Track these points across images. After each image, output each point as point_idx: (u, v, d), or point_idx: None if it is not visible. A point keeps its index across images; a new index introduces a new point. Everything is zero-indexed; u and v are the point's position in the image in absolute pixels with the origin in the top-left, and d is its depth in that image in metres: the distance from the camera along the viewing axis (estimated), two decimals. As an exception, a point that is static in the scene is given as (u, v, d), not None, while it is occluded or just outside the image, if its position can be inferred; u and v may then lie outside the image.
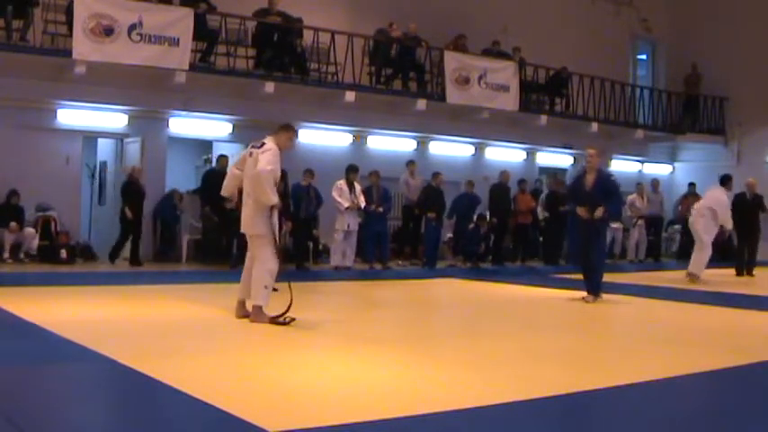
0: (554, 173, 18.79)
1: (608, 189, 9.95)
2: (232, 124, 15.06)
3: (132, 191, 13.36)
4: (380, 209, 14.46)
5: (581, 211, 9.89)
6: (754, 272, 15.21)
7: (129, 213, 13.14)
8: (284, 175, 10.57)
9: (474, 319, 9.06)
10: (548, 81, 18.43)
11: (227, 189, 8.01)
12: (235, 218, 8.27)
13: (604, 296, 10.07)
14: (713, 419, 4.67)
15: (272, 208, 7.48)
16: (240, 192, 7.85)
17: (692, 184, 18.91)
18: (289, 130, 7.87)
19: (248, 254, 7.86)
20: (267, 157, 7.44)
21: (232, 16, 14.15)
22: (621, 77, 20.24)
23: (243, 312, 7.77)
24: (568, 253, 16.55)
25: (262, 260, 7.56)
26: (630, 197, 18.27)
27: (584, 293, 10.08)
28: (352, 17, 16.70)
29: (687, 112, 21.34)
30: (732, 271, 15.09)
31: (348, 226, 13.94)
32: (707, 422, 4.63)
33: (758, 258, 15.60)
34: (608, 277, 12.58)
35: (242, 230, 7.78)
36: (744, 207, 14.84)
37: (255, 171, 7.37)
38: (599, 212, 9.69)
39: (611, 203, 9.96)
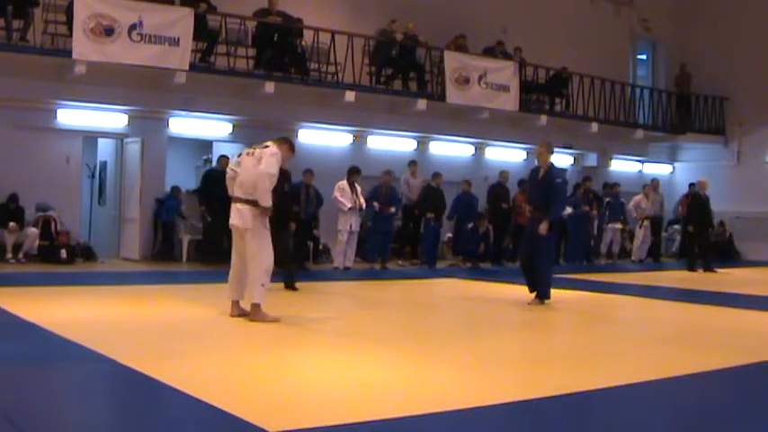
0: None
1: (551, 188, 9.58)
2: (232, 124, 15.05)
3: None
4: (392, 209, 14.50)
5: (524, 217, 9.87)
6: (715, 268, 15.78)
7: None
8: (288, 175, 10.57)
9: (474, 319, 9.06)
10: (548, 81, 18.42)
11: (232, 191, 7.98)
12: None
13: (605, 296, 10.05)
14: (713, 419, 4.67)
15: (263, 209, 7.55)
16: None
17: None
18: (291, 144, 8.00)
19: (234, 252, 7.84)
20: (271, 160, 7.52)
21: (232, 16, 14.15)
22: (621, 77, 20.23)
23: (238, 311, 7.77)
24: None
25: (257, 258, 7.55)
26: (636, 198, 18.28)
27: (533, 297, 9.80)
28: (352, 17, 16.69)
29: (680, 112, 21.33)
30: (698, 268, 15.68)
31: (350, 227, 13.94)
32: (707, 422, 4.63)
33: (758, 259, 15.78)
34: (608, 277, 12.62)
35: (232, 223, 7.72)
36: (700, 205, 15.85)
37: (258, 170, 7.43)
38: (543, 228, 9.34)
39: (551, 205, 9.50)
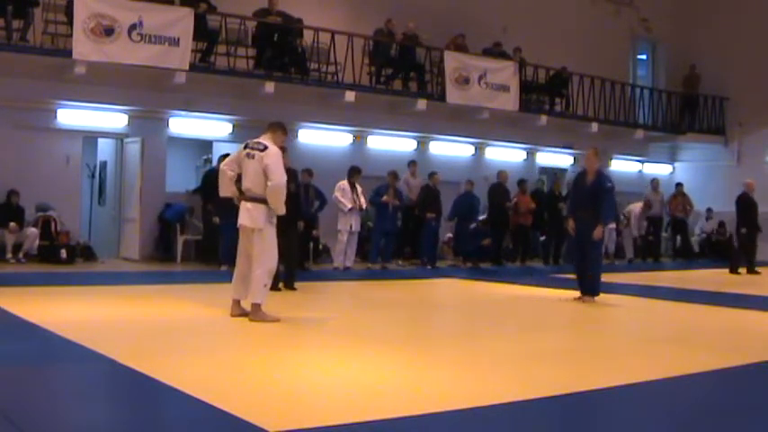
0: (554, 173, 18.78)
1: (600, 193, 9.78)
2: (232, 124, 15.05)
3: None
4: (396, 201, 14.56)
5: (570, 224, 10.02)
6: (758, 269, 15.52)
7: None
8: (295, 174, 10.56)
9: (474, 319, 9.05)
10: (548, 81, 18.43)
11: (226, 191, 7.94)
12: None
13: (605, 296, 10.07)
14: (713, 419, 4.67)
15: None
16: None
17: (679, 185, 19.05)
18: (284, 128, 8.00)
19: (240, 252, 7.83)
20: (276, 162, 7.51)
21: (232, 16, 14.15)
22: (621, 77, 20.24)
23: (239, 311, 7.76)
24: (566, 253, 16.53)
25: (261, 259, 7.55)
26: (636, 207, 18.20)
27: (578, 294, 10.09)
28: (352, 17, 16.69)
29: (686, 112, 21.34)
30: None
31: (351, 227, 13.93)
32: (707, 422, 4.62)
33: (758, 259, 15.75)
34: (608, 277, 12.61)
35: (241, 223, 7.72)
36: (749, 206, 15.40)
37: (272, 185, 7.45)
38: (597, 233, 9.63)
39: (602, 210, 9.76)
